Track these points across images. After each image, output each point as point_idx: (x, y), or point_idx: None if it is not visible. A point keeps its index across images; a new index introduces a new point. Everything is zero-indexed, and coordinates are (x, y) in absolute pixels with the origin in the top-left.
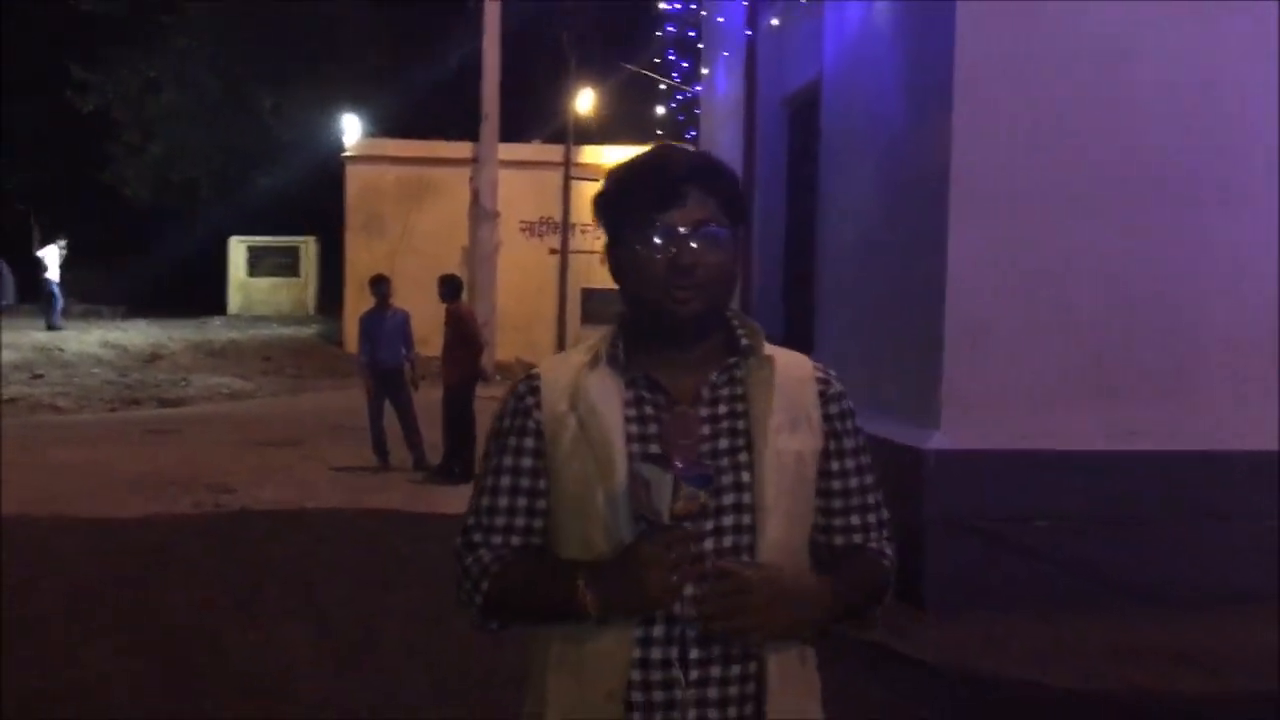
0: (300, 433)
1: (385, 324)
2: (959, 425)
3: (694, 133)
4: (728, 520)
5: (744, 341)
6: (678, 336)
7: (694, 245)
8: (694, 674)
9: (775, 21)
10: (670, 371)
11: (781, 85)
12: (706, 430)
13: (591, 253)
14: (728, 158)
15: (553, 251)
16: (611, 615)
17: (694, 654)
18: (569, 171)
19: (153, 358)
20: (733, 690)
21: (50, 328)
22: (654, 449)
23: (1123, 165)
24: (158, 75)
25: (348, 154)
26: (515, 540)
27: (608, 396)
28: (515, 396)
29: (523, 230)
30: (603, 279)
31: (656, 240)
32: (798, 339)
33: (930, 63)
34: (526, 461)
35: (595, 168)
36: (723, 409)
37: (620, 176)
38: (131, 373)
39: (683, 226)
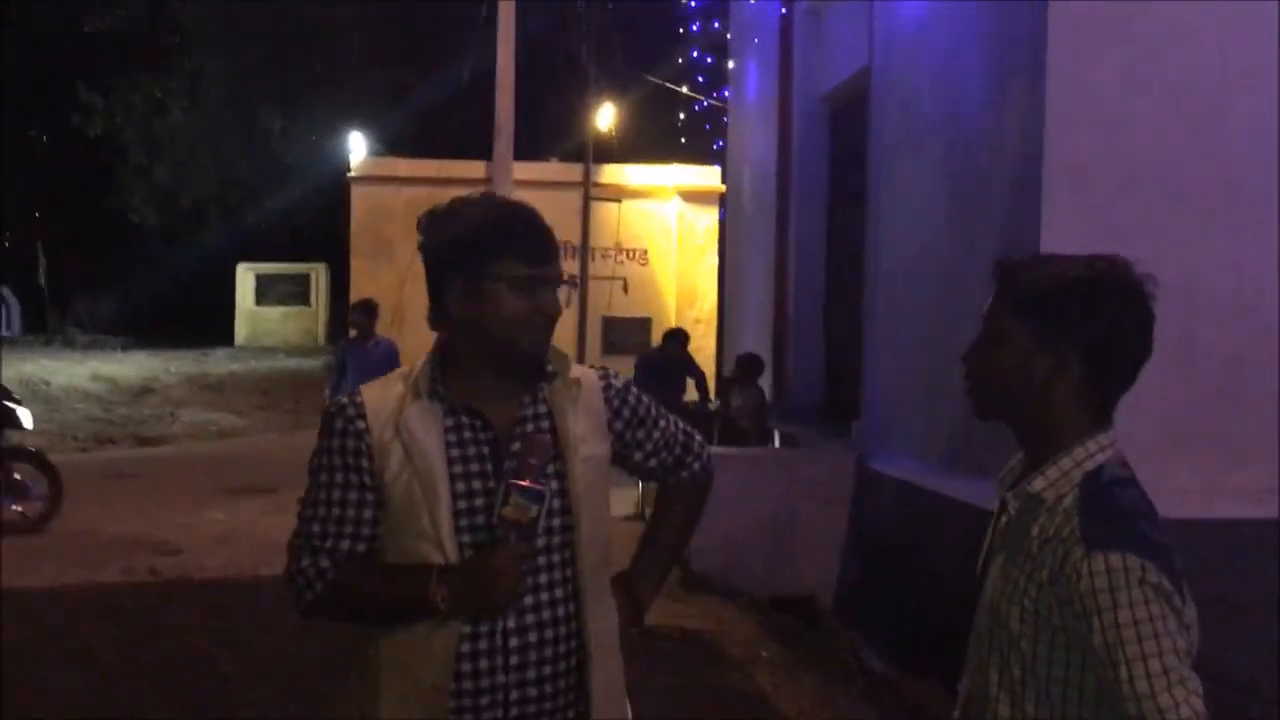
0: (279, 478)
1: (366, 356)
2: None
3: (721, 143)
4: (551, 521)
5: (550, 368)
6: (524, 372)
7: (558, 298)
8: (514, 659)
9: None
10: (486, 399)
11: (820, 81)
12: (551, 454)
13: (613, 279)
14: (759, 168)
15: (571, 277)
16: (458, 612)
17: (514, 642)
18: (588, 192)
19: (143, 391)
20: (548, 669)
21: None
22: (474, 468)
23: (1264, 149)
24: (165, 97)
25: (353, 174)
26: (360, 547)
27: (429, 426)
28: (344, 418)
29: None
30: (625, 307)
31: (532, 291)
32: (840, 374)
33: (1016, 38)
34: (366, 478)
35: (617, 187)
36: (530, 428)
37: (485, 224)
38: (117, 408)
39: (553, 281)
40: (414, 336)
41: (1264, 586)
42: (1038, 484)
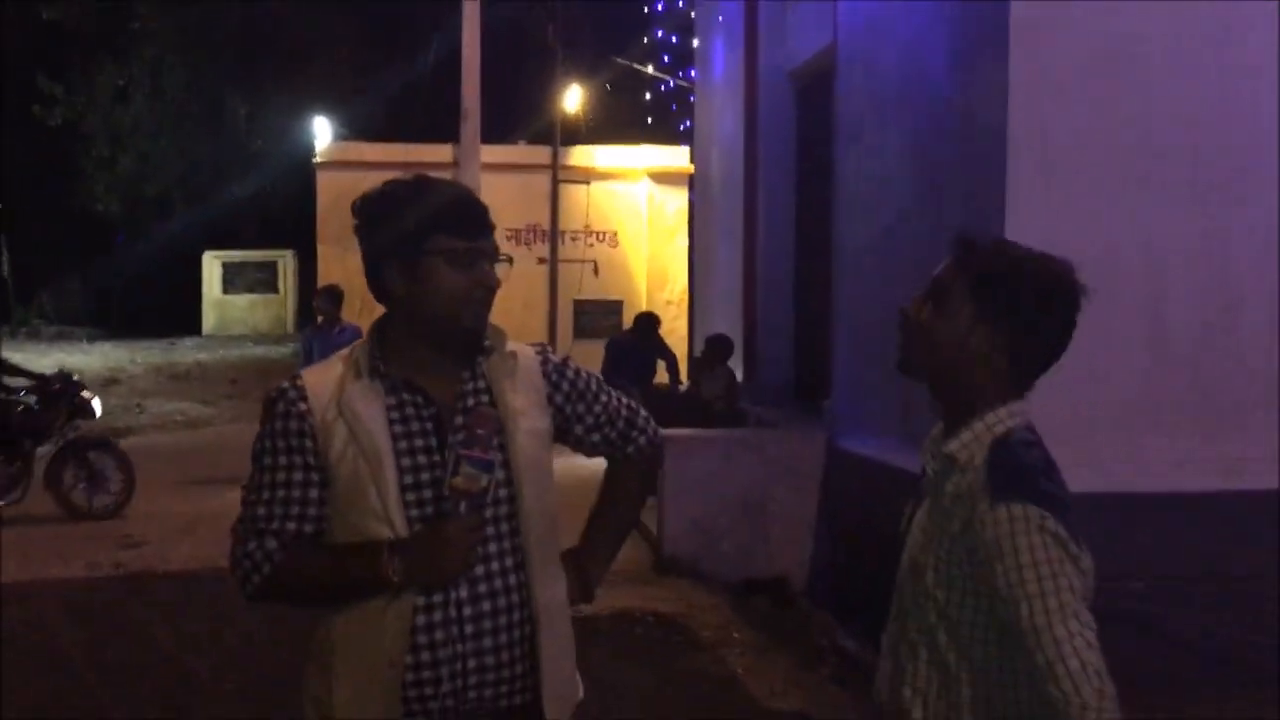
0: (246, 468)
1: (332, 342)
2: None
3: (689, 123)
4: (496, 493)
5: (487, 343)
6: (464, 347)
7: (495, 271)
8: (469, 628)
9: None
10: (425, 375)
11: (787, 57)
12: (498, 425)
13: (584, 261)
14: (727, 147)
15: (541, 261)
16: (413, 582)
17: (468, 611)
18: (557, 174)
19: (109, 382)
20: (503, 638)
21: None
22: (419, 443)
23: (1227, 122)
24: (127, 85)
25: (318, 160)
26: (307, 528)
27: (371, 404)
28: (286, 401)
29: (509, 238)
30: (595, 290)
31: (470, 265)
32: (810, 353)
33: (980, 12)
34: (311, 459)
35: (585, 170)
36: (471, 402)
37: (418, 203)
38: None
39: (489, 254)
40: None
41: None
42: (953, 445)
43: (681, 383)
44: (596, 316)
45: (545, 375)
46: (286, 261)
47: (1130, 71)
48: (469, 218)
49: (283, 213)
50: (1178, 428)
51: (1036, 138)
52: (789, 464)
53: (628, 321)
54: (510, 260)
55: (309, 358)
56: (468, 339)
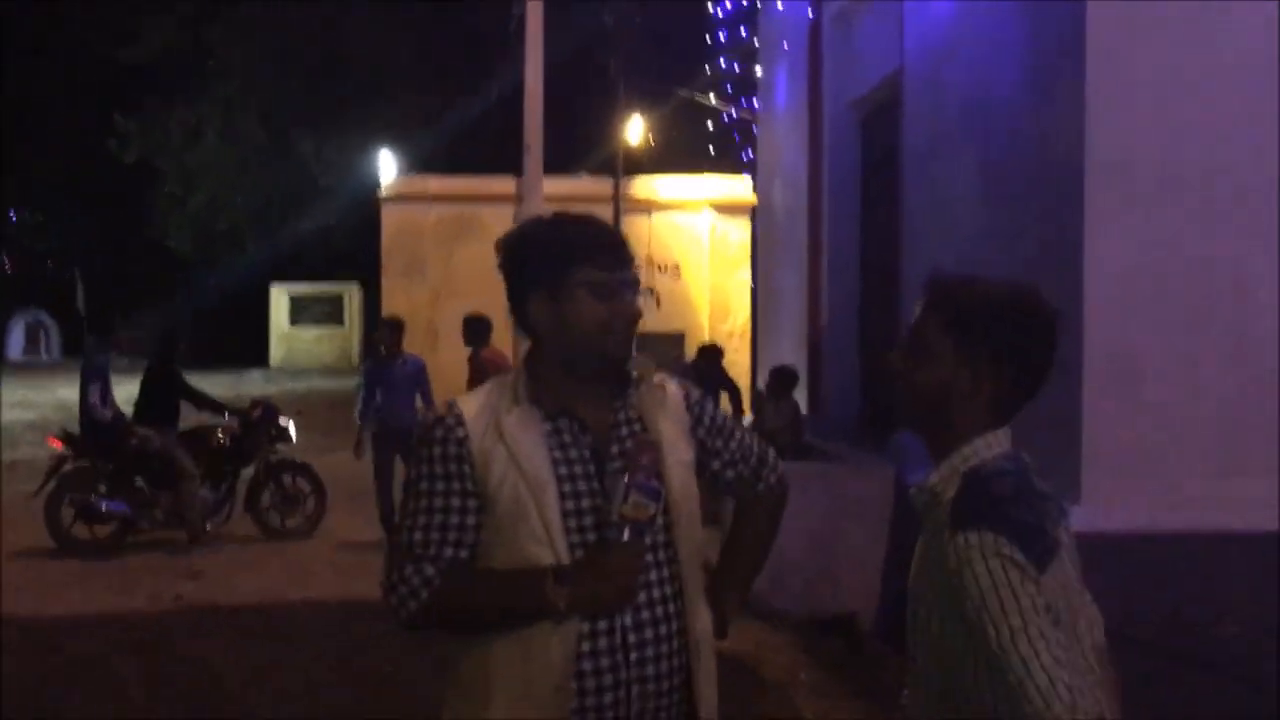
0: None
1: (394, 374)
2: (1106, 497)
3: (750, 154)
4: (657, 521)
5: (634, 373)
6: (609, 376)
7: (635, 301)
8: (634, 655)
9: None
10: (578, 404)
11: (850, 87)
12: (658, 455)
13: (645, 293)
14: (790, 177)
15: (649, 287)
16: (579, 610)
17: (632, 639)
18: (619, 205)
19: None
20: (664, 666)
21: None
22: (578, 469)
23: None
24: (199, 123)
25: (383, 193)
26: (463, 554)
27: (530, 429)
28: (444, 428)
29: None
30: (658, 322)
31: (610, 295)
32: (876, 386)
33: (1054, 35)
34: (469, 485)
35: (648, 201)
36: (624, 431)
37: (560, 237)
38: None
39: (630, 285)
40: (449, 353)
41: None
42: (933, 479)
43: (744, 415)
44: (658, 348)
45: (688, 409)
46: (352, 294)
47: (1210, 92)
48: (610, 250)
49: (348, 246)
50: (1269, 461)
51: (1115, 161)
52: (858, 498)
53: (690, 353)
54: (653, 292)
55: (371, 390)
56: (610, 367)
